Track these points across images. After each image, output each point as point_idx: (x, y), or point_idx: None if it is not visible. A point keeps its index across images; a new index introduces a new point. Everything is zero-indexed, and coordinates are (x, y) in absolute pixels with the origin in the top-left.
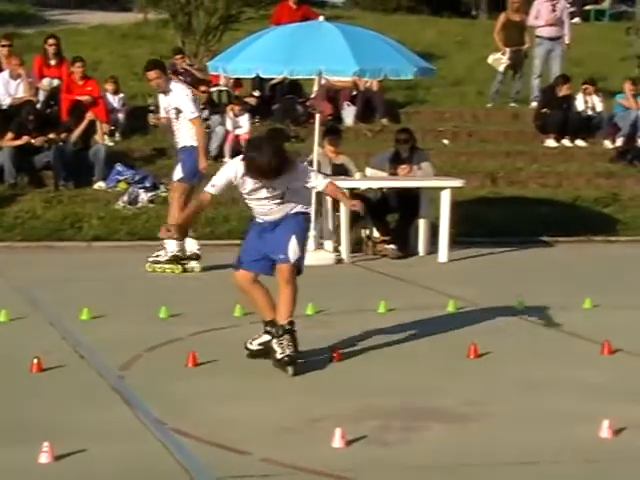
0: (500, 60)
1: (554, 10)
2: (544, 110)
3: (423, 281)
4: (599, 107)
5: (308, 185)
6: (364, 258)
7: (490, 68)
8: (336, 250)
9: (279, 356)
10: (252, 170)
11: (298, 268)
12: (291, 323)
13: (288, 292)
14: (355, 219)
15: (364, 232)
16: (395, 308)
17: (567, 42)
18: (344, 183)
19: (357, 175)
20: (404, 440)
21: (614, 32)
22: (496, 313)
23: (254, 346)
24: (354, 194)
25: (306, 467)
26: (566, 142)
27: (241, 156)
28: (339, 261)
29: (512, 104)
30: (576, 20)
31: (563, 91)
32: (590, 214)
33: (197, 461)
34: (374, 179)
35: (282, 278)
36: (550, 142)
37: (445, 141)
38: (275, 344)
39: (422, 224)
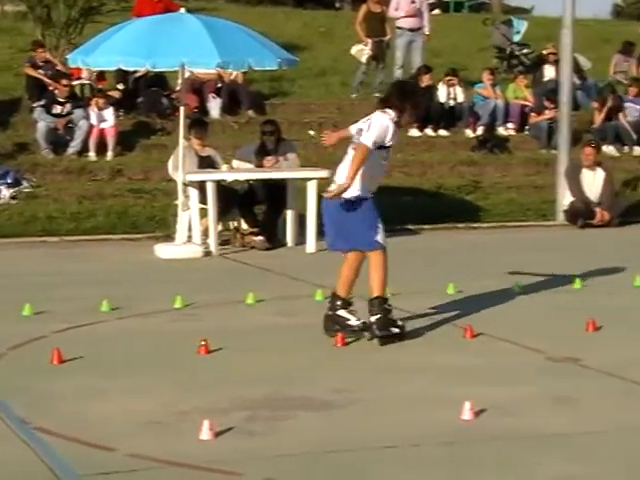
0: (362, 51)
1: (413, 2)
2: None
3: (291, 272)
4: (461, 97)
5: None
6: (232, 250)
7: (354, 59)
8: (204, 243)
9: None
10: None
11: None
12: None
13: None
14: (223, 211)
15: (232, 224)
16: (264, 299)
17: (427, 33)
18: (211, 176)
19: (224, 167)
20: (271, 430)
21: (472, 23)
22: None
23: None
24: (222, 186)
25: (174, 460)
26: (429, 131)
27: (386, 108)
28: (207, 254)
29: (376, 95)
30: (436, 12)
31: (425, 81)
32: (453, 202)
33: (62, 459)
34: (241, 171)
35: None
36: (414, 132)
37: (311, 132)
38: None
39: (290, 215)
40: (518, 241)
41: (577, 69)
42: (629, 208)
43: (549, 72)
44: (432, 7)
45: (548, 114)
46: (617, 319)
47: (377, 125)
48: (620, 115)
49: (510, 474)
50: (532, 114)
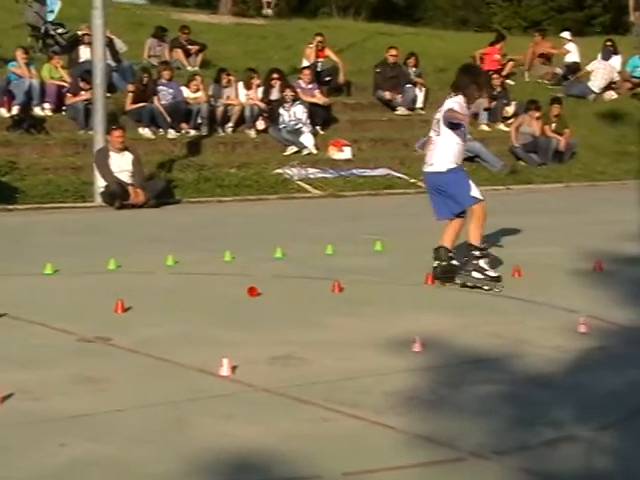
0: None
1: None
2: None
3: None
4: None
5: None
6: None
7: None
8: None
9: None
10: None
11: None
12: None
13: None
14: None
15: None
16: None
17: None
18: None
19: None
20: None
21: (6, 1)
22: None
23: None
24: None
25: None
26: None
27: (456, 94)
28: None
29: None
30: None
31: None
32: None
33: None
34: None
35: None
36: None
37: None
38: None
39: None
40: (56, 223)
41: (113, 51)
42: (164, 189)
43: (84, 53)
44: None
45: (84, 95)
46: (147, 299)
47: (451, 105)
48: (155, 98)
49: (34, 458)
50: (68, 95)
